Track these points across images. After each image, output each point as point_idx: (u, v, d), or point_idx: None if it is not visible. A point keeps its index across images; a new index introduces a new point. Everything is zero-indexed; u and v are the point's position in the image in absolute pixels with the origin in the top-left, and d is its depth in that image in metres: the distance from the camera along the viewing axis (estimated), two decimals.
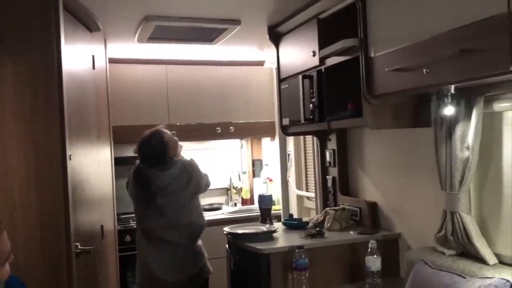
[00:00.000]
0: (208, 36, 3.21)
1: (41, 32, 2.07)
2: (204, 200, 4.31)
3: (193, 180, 2.82)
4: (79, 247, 2.20)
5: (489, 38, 1.51)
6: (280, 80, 3.14)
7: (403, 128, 2.35)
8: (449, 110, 2.00)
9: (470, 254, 2.04)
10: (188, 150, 3.70)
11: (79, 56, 2.55)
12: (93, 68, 2.82)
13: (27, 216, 2.03)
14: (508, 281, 1.72)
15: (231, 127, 4.31)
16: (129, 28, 3.04)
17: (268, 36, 3.17)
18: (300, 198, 4.13)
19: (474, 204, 2.12)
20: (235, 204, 4.62)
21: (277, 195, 4.33)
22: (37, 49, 2.06)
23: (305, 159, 4.06)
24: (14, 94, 2.04)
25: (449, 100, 1.98)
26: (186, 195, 2.80)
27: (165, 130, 2.87)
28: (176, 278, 2.81)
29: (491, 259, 1.96)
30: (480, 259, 1.98)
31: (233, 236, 2.74)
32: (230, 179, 4.70)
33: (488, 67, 1.53)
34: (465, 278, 1.86)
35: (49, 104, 2.07)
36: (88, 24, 2.71)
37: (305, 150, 4.06)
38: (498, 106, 1.95)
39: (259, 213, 3.14)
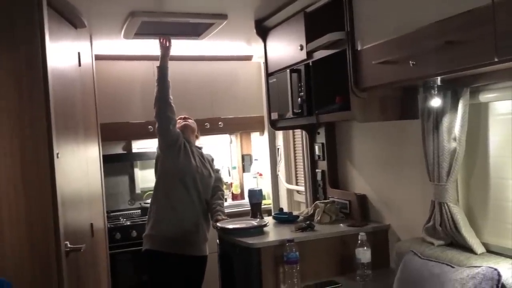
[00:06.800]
0: (195, 31, 3.20)
1: (24, 29, 2.04)
2: None
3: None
4: (69, 245, 2.19)
5: (473, 30, 1.52)
6: (268, 75, 3.14)
7: (391, 121, 2.36)
8: (435, 102, 2.02)
9: (458, 244, 2.06)
10: None
11: (64, 53, 2.52)
12: (79, 65, 2.80)
13: (15, 215, 2.01)
14: (495, 269, 1.74)
15: (220, 123, 4.30)
16: (115, 24, 3.01)
17: (255, 31, 3.16)
18: (290, 192, 4.14)
19: (462, 194, 2.14)
20: (226, 199, 4.61)
21: (267, 190, 4.34)
22: (21, 47, 2.04)
23: (295, 153, 4.07)
24: None
25: (436, 92, 2.00)
26: None
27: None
28: None
29: (479, 248, 1.99)
30: (468, 249, 2.00)
31: (224, 231, 2.74)
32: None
33: (473, 58, 1.55)
34: (453, 267, 1.88)
35: (35, 102, 2.04)
36: (73, 21, 2.68)
37: (294, 144, 4.07)
38: (484, 97, 1.97)
39: (249, 208, 3.15)
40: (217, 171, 3.19)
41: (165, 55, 3.00)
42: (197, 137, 3.21)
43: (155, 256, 2.93)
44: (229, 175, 4.73)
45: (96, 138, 3.31)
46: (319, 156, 3.22)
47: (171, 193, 2.94)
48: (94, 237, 2.88)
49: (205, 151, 3.20)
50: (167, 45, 3.02)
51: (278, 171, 4.26)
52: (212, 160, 3.20)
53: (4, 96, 2.01)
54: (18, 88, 2.03)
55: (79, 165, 2.66)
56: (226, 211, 3.12)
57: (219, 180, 3.17)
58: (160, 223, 2.95)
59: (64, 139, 2.32)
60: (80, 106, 2.79)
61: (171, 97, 2.93)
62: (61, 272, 2.06)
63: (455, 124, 2.00)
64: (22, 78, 2.04)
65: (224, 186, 3.33)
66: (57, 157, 2.10)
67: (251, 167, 4.73)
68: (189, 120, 3.18)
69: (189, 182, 2.93)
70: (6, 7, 2.02)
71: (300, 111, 2.69)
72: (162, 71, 2.94)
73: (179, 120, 3.11)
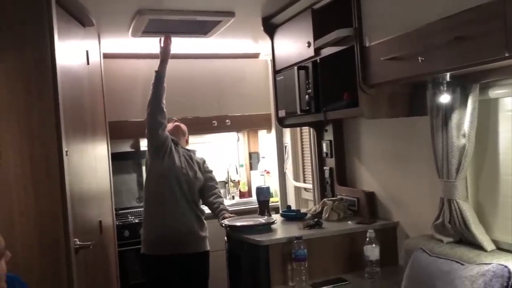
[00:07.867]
0: (202, 29, 3.20)
1: (33, 28, 2.05)
2: None
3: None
4: (78, 242, 2.20)
5: (483, 25, 1.50)
6: (276, 72, 3.13)
7: (399, 117, 2.35)
8: (444, 98, 2.01)
9: (468, 241, 2.05)
10: None
11: (73, 52, 2.54)
12: (88, 63, 2.81)
13: (25, 212, 2.02)
14: (506, 266, 1.73)
15: (227, 120, 4.30)
16: (123, 22, 3.02)
17: (262, 28, 3.16)
18: (297, 189, 4.14)
19: (471, 191, 2.12)
20: (233, 197, 4.63)
21: (274, 187, 4.34)
22: (30, 45, 2.05)
23: (302, 151, 4.06)
24: (8, 91, 2.02)
25: (445, 88, 1.98)
26: None
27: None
28: None
29: (489, 245, 1.98)
30: (477, 246, 1.99)
31: (232, 228, 2.74)
32: (228, 172, 4.70)
33: (483, 54, 1.53)
34: (463, 265, 1.87)
35: (44, 100, 2.06)
36: (81, 19, 2.69)
37: (302, 142, 4.06)
38: (493, 93, 1.95)
39: (257, 206, 3.15)
40: (210, 171, 3.21)
41: (164, 59, 3.04)
42: (187, 142, 3.25)
43: (150, 260, 2.98)
44: (237, 173, 4.73)
45: (105, 136, 3.32)
46: (326, 153, 3.21)
47: (157, 194, 2.98)
48: (103, 234, 2.89)
49: (199, 154, 3.24)
50: (167, 44, 3.05)
51: (286, 168, 4.26)
52: (204, 162, 3.22)
53: (13, 95, 2.03)
54: (27, 87, 2.05)
55: (87, 163, 2.67)
56: (234, 209, 3.13)
57: (211, 179, 3.17)
58: (148, 226, 3.01)
59: (73, 137, 2.33)
60: (88, 104, 2.80)
61: (164, 102, 2.98)
62: (70, 268, 2.08)
63: (465, 121, 1.99)
64: (31, 77, 2.05)
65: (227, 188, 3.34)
66: (66, 154, 2.12)
67: (258, 165, 4.73)
68: (181, 124, 3.24)
69: (173, 182, 2.97)
70: (15, 6, 2.04)
71: (307, 108, 2.68)
72: (159, 76, 2.99)
73: (169, 124, 3.15)
